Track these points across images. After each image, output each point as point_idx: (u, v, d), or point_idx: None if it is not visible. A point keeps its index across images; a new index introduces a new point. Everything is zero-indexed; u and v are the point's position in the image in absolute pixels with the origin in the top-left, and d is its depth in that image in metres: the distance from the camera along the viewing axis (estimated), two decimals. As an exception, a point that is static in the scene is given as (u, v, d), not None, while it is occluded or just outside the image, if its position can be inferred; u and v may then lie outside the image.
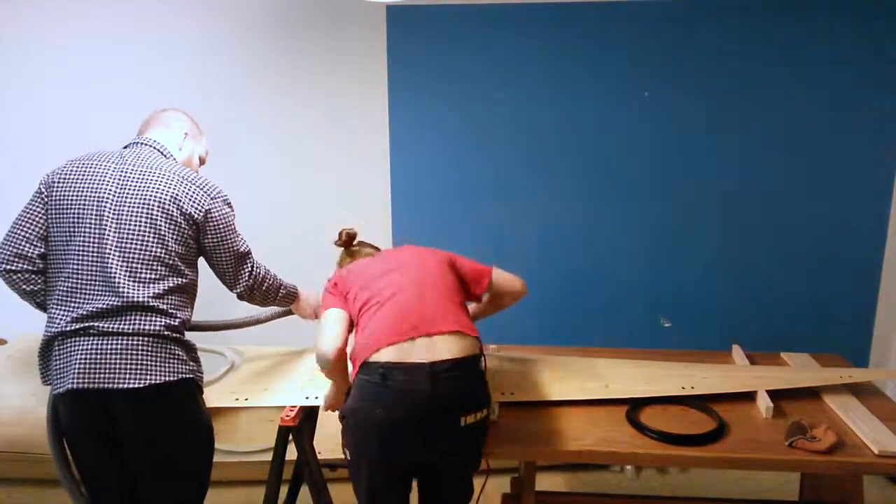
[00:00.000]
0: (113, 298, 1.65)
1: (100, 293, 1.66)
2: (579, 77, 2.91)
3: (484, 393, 1.71)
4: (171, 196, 1.73)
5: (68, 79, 2.94)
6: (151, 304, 1.67)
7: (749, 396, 2.07)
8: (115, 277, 1.66)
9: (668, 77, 2.88)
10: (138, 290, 1.67)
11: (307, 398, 1.96)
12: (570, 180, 3.01)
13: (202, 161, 2.07)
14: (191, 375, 1.74)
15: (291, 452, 1.94)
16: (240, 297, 1.93)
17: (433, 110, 2.99)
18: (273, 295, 1.99)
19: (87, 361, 1.63)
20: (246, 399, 1.99)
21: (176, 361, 1.70)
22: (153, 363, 1.67)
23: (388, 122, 2.98)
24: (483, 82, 2.93)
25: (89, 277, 1.67)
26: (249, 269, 1.89)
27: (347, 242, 2.11)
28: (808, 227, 2.98)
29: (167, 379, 1.68)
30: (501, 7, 2.86)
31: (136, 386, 1.64)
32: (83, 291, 1.67)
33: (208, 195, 1.79)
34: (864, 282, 3.02)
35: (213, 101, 2.98)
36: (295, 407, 1.93)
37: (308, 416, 2.01)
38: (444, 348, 1.62)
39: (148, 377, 1.66)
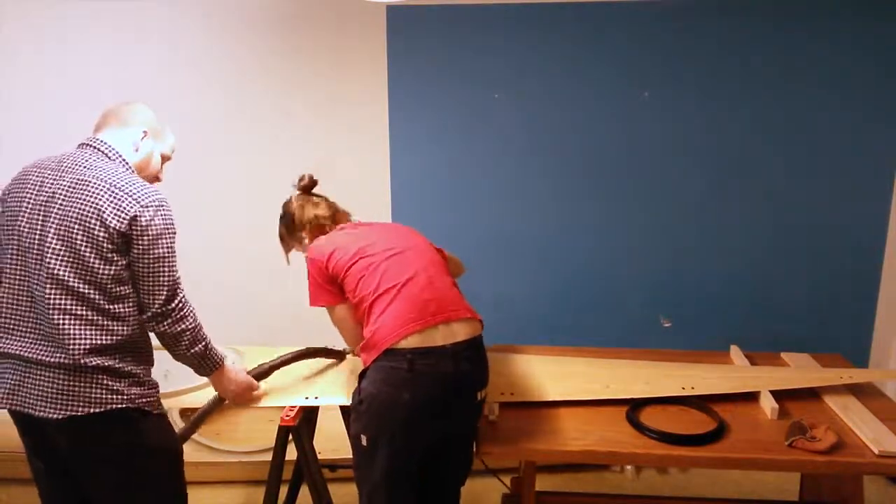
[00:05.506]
0: (35, 329, 1.58)
1: (25, 321, 1.59)
2: (579, 77, 2.91)
3: (488, 370, 1.82)
4: (95, 210, 1.56)
5: (68, 80, 2.95)
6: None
7: (749, 396, 2.07)
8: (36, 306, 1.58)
9: (668, 77, 2.88)
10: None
11: (307, 398, 1.96)
12: (570, 180, 3.01)
13: (166, 158, 1.84)
14: (123, 405, 1.57)
15: (291, 452, 1.94)
16: (152, 321, 1.63)
17: (433, 110, 2.99)
18: (189, 342, 1.67)
19: (14, 382, 1.58)
20: (246, 399, 1.98)
21: (103, 391, 1.56)
22: (73, 393, 1.54)
23: (387, 122, 2.98)
24: (483, 82, 2.93)
25: (15, 303, 1.59)
26: (171, 292, 1.62)
27: (309, 187, 2.07)
28: (809, 226, 2.98)
29: (91, 410, 1.55)
30: (501, 7, 2.86)
31: (55, 417, 1.54)
32: (10, 317, 1.60)
33: (137, 202, 1.58)
34: (864, 282, 3.02)
35: (213, 101, 2.98)
36: (295, 407, 1.93)
37: (308, 416, 2.01)
38: (459, 331, 1.72)
39: (68, 408, 1.54)
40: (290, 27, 2.92)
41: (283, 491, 2.07)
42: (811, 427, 1.83)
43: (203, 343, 1.71)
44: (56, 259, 1.55)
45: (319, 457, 2.05)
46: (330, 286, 1.85)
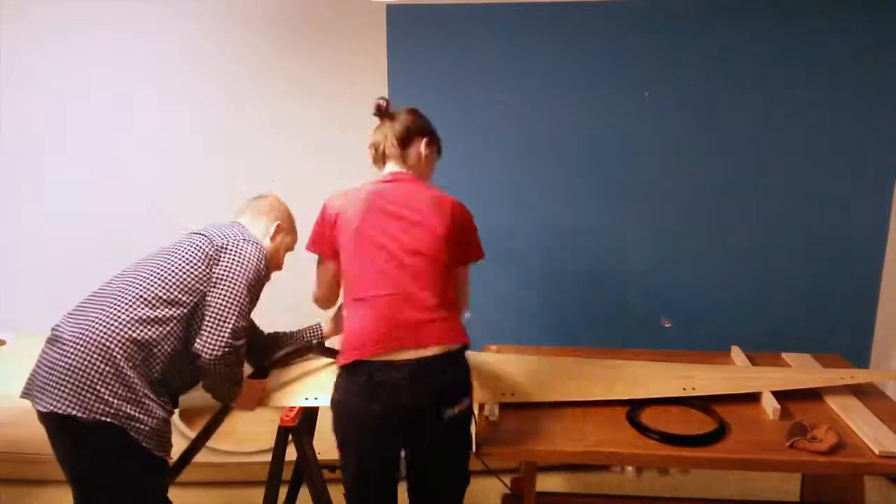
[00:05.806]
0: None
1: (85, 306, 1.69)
2: (580, 77, 2.91)
3: (468, 383, 1.72)
4: (209, 236, 1.77)
5: (68, 80, 2.95)
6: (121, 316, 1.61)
7: (750, 397, 2.07)
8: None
9: (668, 77, 2.88)
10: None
11: (307, 398, 1.96)
12: (571, 180, 3.00)
13: (289, 249, 2.02)
14: (108, 420, 1.52)
15: (291, 452, 1.94)
16: (203, 364, 1.67)
17: (433, 110, 2.96)
18: (232, 380, 1.75)
19: (35, 369, 1.61)
20: (246, 399, 1.98)
21: (93, 398, 1.52)
22: (69, 389, 1.52)
23: (388, 122, 2.98)
24: (484, 82, 2.93)
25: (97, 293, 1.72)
26: (232, 330, 1.66)
27: (377, 112, 2.01)
28: (809, 227, 2.98)
29: (74, 413, 1.51)
30: (502, 7, 2.85)
31: (39, 409, 1.54)
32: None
33: (242, 237, 1.77)
34: (864, 282, 3.01)
35: (213, 100, 2.98)
36: (295, 407, 1.93)
37: (308, 416, 2.01)
38: (428, 350, 1.64)
39: (54, 403, 1.51)
40: (291, 27, 2.92)
41: (283, 491, 2.06)
42: (812, 427, 1.83)
43: (241, 381, 1.79)
44: (161, 251, 1.75)
45: (319, 457, 2.04)
46: (329, 240, 1.79)
